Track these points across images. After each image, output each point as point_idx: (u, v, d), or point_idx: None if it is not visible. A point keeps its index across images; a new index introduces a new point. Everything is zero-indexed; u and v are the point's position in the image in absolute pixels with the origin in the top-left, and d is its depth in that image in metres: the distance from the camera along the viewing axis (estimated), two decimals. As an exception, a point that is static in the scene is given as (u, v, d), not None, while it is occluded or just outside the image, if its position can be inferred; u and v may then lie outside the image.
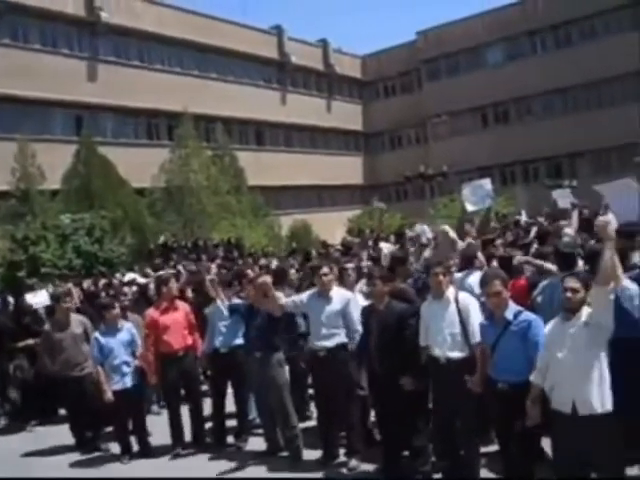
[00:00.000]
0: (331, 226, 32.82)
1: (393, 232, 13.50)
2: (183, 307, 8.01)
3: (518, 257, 6.81)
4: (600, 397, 4.44)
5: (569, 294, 4.58)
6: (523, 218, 11.77)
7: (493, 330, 5.22)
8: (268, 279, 6.94)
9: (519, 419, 4.87)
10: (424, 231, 9.27)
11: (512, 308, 5.19)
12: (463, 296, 5.74)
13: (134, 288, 10.82)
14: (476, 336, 5.48)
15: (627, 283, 4.44)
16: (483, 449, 6.01)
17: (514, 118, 42.29)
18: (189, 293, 9.82)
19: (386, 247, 9.97)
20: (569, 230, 8.41)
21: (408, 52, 44.90)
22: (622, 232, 6.25)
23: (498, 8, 41.04)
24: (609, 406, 4.45)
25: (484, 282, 5.29)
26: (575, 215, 9.09)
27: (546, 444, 5.09)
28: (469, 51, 42.81)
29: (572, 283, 4.60)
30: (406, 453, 6.06)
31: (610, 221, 4.46)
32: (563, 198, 11.40)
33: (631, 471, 5.01)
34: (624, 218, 7.57)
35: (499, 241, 9.79)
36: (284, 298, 6.79)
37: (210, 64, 36.55)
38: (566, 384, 4.54)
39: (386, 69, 46.20)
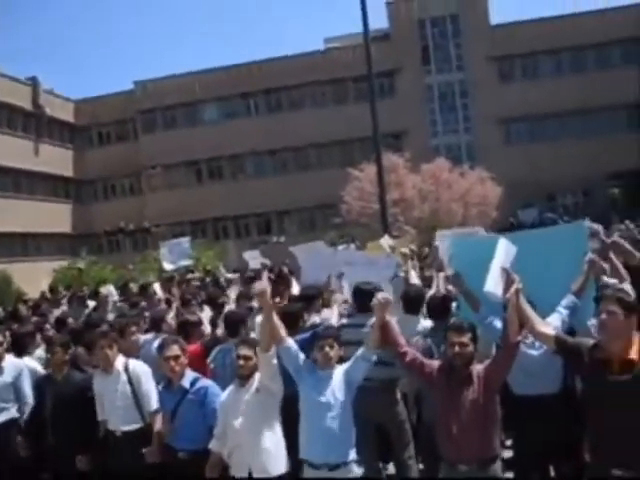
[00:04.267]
0: (36, 278, 30.38)
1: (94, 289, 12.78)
2: None
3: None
4: (274, 460, 4.55)
5: (241, 362, 4.67)
6: (223, 276, 11.88)
7: (171, 398, 5.13)
8: None
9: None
10: (110, 292, 8.88)
11: (189, 375, 5.15)
12: (134, 364, 5.58)
13: None
14: (151, 404, 5.34)
15: (289, 343, 4.62)
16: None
17: (227, 175, 43.63)
18: None
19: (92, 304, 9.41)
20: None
21: (125, 101, 44.12)
22: (302, 295, 6.64)
23: (215, 68, 42.38)
24: (283, 468, 4.59)
25: (161, 347, 5.19)
26: (265, 276, 9.34)
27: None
28: (186, 106, 43.38)
29: (243, 350, 4.70)
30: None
31: (265, 288, 4.62)
32: (253, 259, 11.78)
33: None
34: (313, 279, 8.05)
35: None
36: None
37: None
38: (242, 450, 4.62)
39: (102, 116, 44.76)
